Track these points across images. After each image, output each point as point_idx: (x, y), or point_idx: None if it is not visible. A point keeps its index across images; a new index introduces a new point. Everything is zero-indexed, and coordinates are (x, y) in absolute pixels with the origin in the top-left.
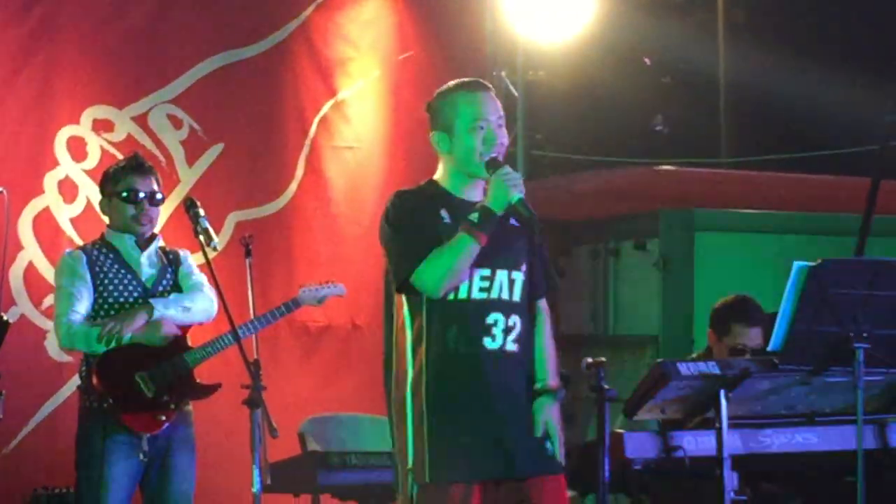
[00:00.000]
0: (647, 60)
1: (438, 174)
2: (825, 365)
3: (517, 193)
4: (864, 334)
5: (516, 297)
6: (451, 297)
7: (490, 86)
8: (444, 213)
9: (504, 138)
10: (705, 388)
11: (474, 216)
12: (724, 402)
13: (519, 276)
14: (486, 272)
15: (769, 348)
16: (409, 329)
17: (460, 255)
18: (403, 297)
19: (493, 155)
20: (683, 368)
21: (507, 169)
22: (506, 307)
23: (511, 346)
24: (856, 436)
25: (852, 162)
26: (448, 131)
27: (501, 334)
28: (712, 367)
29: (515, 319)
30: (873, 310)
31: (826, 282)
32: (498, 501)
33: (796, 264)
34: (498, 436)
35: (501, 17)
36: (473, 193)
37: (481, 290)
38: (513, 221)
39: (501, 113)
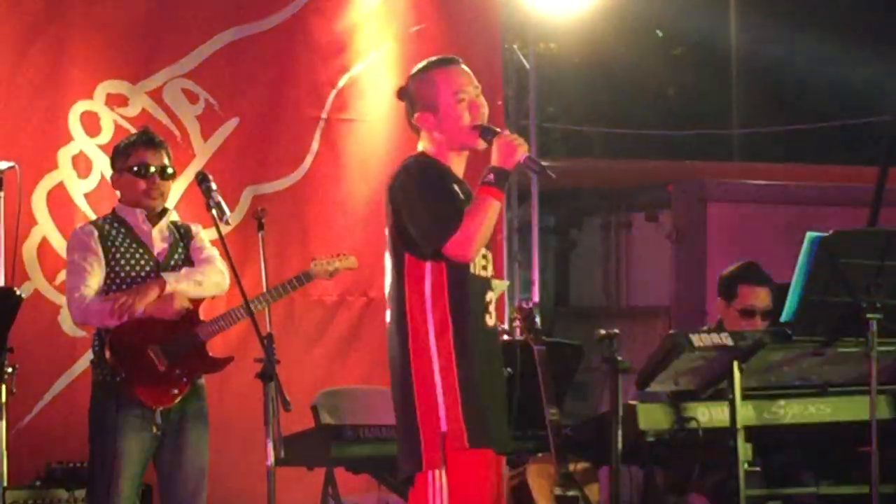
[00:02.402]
0: (658, 32)
1: (426, 150)
2: (838, 335)
3: (524, 153)
4: (877, 304)
5: (491, 272)
6: (472, 270)
7: (459, 59)
8: (454, 186)
9: (484, 107)
10: (718, 360)
11: (490, 178)
12: (737, 373)
13: (490, 254)
14: (484, 251)
15: (782, 319)
16: (429, 296)
17: (488, 216)
18: (427, 266)
19: (482, 123)
20: (696, 340)
21: (507, 132)
22: (490, 286)
23: (492, 321)
24: (869, 406)
25: (864, 132)
26: (431, 108)
27: (494, 312)
28: (726, 338)
29: (491, 296)
30: (886, 280)
31: (838, 252)
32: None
33: (809, 235)
34: (503, 410)
35: None
36: (460, 170)
37: (482, 267)
38: None
39: (477, 83)
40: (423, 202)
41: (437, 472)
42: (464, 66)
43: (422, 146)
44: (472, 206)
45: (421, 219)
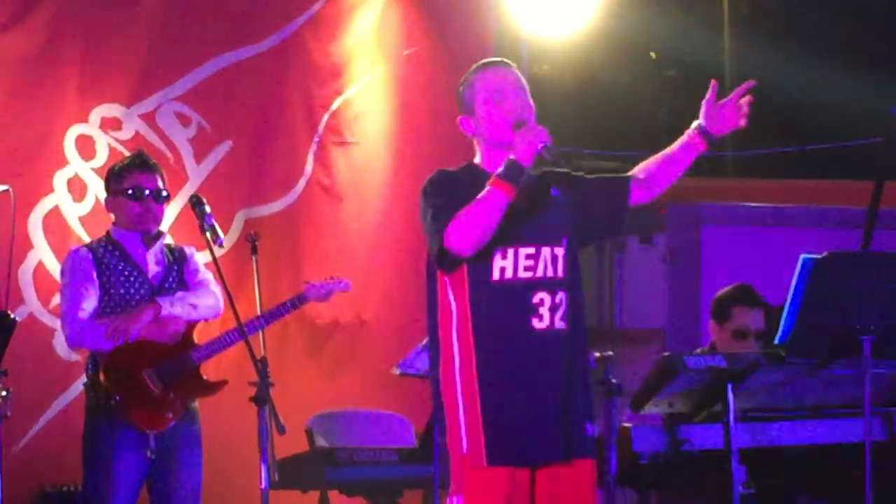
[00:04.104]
0: (652, 54)
1: (476, 158)
2: (832, 357)
3: (542, 142)
4: (871, 326)
5: (560, 272)
6: (497, 276)
7: (509, 62)
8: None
9: (527, 107)
10: (713, 382)
11: (500, 170)
12: (731, 395)
13: (561, 252)
14: (531, 250)
15: (776, 341)
16: (454, 311)
17: (485, 206)
18: (447, 279)
19: (521, 119)
20: (690, 362)
21: (531, 122)
22: (551, 285)
23: (560, 325)
24: (864, 428)
25: (858, 155)
26: (470, 112)
27: (548, 313)
28: (719, 360)
29: (562, 296)
30: (880, 302)
31: (832, 274)
32: (547, 484)
33: (803, 257)
34: (548, 418)
35: (506, 11)
36: None
37: (526, 269)
38: (554, 191)
39: (522, 83)
40: (427, 209)
41: (455, 498)
42: (509, 68)
43: (476, 156)
44: (475, 200)
45: (427, 220)
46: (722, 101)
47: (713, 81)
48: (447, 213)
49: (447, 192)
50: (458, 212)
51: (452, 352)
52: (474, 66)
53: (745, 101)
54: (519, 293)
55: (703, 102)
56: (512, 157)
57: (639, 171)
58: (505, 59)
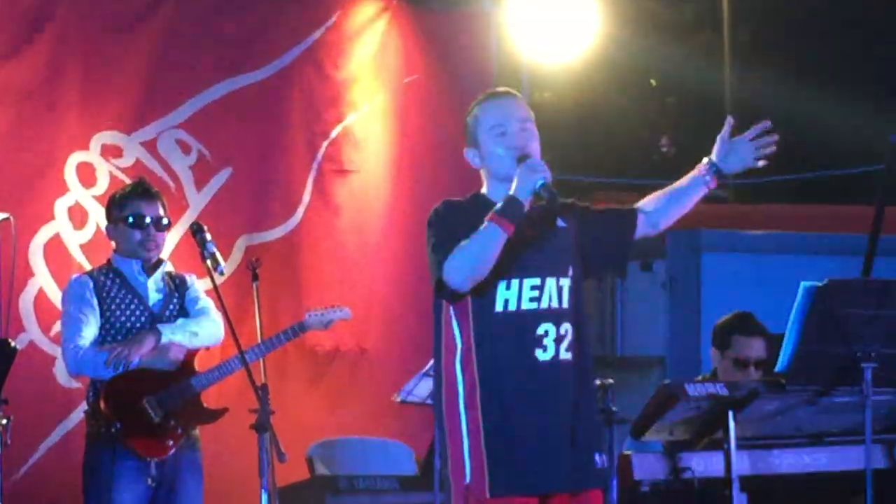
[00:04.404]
0: (652, 81)
1: (483, 187)
2: (833, 385)
3: (541, 179)
4: (872, 354)
5: (566, 304)
6: (500, 308)
7: (514, 92)
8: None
9: (531, 140)
10: (714, 409)
11: (499, 205)
12: (732, 422)
13: (567, 283)
14: (536, 281)
15: (777, 369)
16: (459, 342)
17: (482, 242)
18: (451, 310)
19: (524, 153)
20: (691, 389)
21: (533, 159)
22: (556, 316)
23: (565, 356)
24: (865, 456)
25: (859, 183)
26: (475, 144)
27: (553, 344)
28: (720, 388)
29: (567, 327)
30: (880, 329)
31: (833, 302)
32: None
33: (803, 285)
34: (555, 449)
35: (506, 39)
36: None
37: (531, 300)
38: (560, 223)
39: (526, 114)
40: (429, 240)
41: None
42: (514, 99)
43: (483, 186)
44: (474, 234)
45: (428, 251)
46: (736, 139)
47: (729, 118)
48: (447, 246)
49: (449, 224)
50: (457, 245)
51: (456, 382)
52: (480, 96)
53: (768, 143)
54: (523, 324)
55: (718, 138)
56: (511, 193)
57: (646, 204)
58: (510, 90)
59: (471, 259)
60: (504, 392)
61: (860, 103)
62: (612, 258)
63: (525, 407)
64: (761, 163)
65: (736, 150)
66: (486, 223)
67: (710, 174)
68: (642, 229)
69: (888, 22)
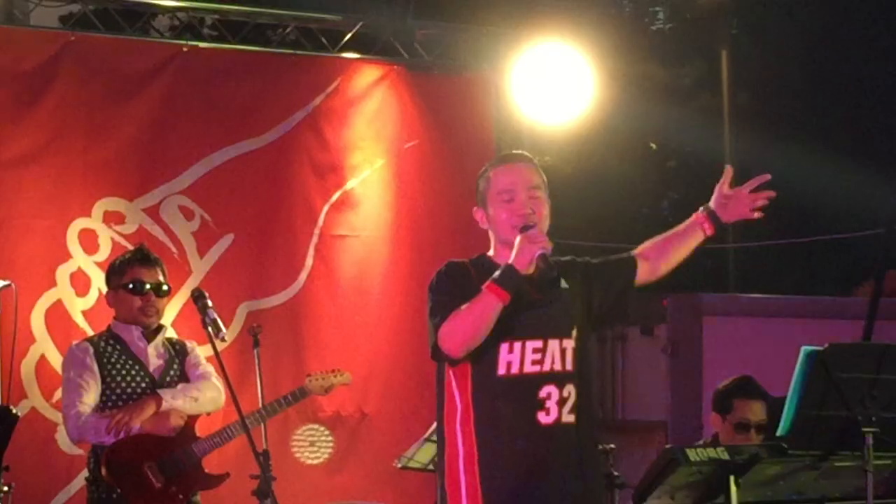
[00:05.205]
0: (652, 145)
1: (490, 249)
2: (834, 449)
3: (539, 250)
4: (873, 418)
5: (569, 365)
6: (503, 371)
7: (526, 156)
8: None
9: (537, 206)
10: (715, 474)
11: (495, 275)
12: (733, 487)
13: (570, 344)
14: (538, 344)
15: (778, 433)
16: (458, 405)
17: (478, 311)
18: (451, 373)
19: (528, 223)
20: (692, 454)
21: (533, 229)
22: (559, 378)
23: (567, 418)
24: None
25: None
26: (484, 205)
27: (556, 407)
28: (721, 453)
29: (570, 389)
30: (881, 393)
31: (834, 366)
32: None
33: (804, 349)
34: None
35: (507, 103)
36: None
37: (534, 362)
38: (563, 284)
39: (535, 182)
40: (430, 303)
41: None
42: (525, 164)
43: (490, 248)
44: (470, 301)
45: (428, 317)
46: (735, 189)
47: (728, 167)
48: (443, 312)
49: (449, 288)
50: (454, 311)
51: (456, 445)
52: (494, 158)
53: (762, 196)
54: (525, 387)
55: (717, 187)
56: (510, 262)
57: (644, 250)
58: (525, 154)
59: (464, 326)
60: (503, 455)
61: (860, 167)
62: (617, 307)
63: (525, 470)
64: (757, 214)
65: (734, 200)
66: (483, 291)
67: (708, 221)
68: (643, 276)
69: (888, 85)
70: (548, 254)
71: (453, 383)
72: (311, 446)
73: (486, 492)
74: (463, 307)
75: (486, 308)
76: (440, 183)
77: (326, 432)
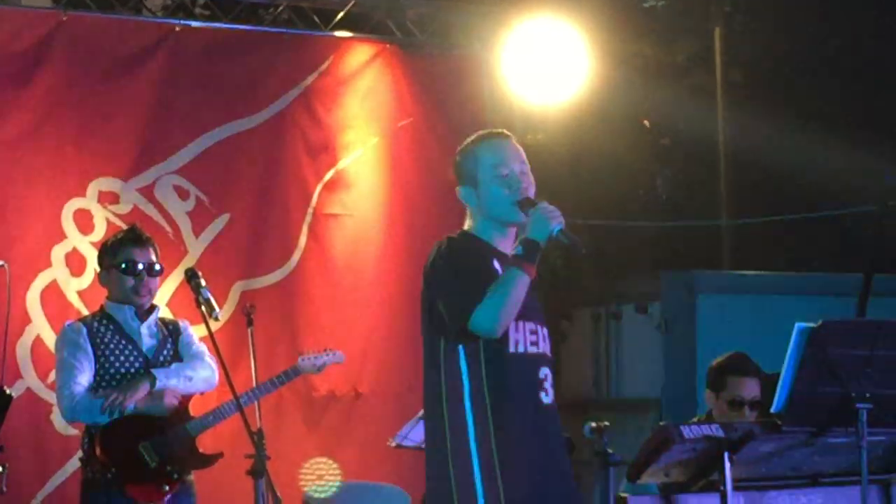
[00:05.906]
0: (645, 122)
1: (469, 226)
2: (828, 426)
3: (557, 224)
4: (867, 394)
5: (550, 350)
6: (513, 349)
7: (508, 133)
8: (495, 263)
9: (529, 184)
10: (709, 451)
11: (519, 250)
12: (728, 464)
13: (546, 330)
14: (532, 326)
15: (772, 410)
16: (467, 380)
17: (514, 289)
18: (460, 348)
19: (524, 196)
20: (687, 431)
21: (545, 203)
22: (548, 361)
23: (554, 400)
24: (861, 498)
25: (851, 223)
26: (473, 184)
27: (550, 389)
28: (716, 430)
29: (549, 373)
30: (875, 370)
31: (827, 343)
32: None
33: (797, 326)
34: (561, 491)
35: (499, 81)
36: (506, 245)
37: (531, 343)
38: None
39: (523, 157)
40: (448, 280)
41: None
42: (512, 142)
43: (466, 223)
44: (498, 279)
45: (446, 297)
46: None
47: None
48: (472, 297)
49: (470, 267)
50: (485, 295)
51: (465, 422)
52: (475, 135)
53: None
54: (529, 366)
55: None
56: (529, 237)
57: None
58: (505, 131)
59: (504, 306)
60: (517, 433)
61: (853, 143)
62: None
63: (536, 450)
64: None
65: None
66: (511, 268)
67: None
68: None
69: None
70: (565, 227)
71: (461, 361)
72: (319, 479)
73: (505, 469)
74: (497, 287)
75: (520, 286)
76: (433, 161)
77: (334, 465)
